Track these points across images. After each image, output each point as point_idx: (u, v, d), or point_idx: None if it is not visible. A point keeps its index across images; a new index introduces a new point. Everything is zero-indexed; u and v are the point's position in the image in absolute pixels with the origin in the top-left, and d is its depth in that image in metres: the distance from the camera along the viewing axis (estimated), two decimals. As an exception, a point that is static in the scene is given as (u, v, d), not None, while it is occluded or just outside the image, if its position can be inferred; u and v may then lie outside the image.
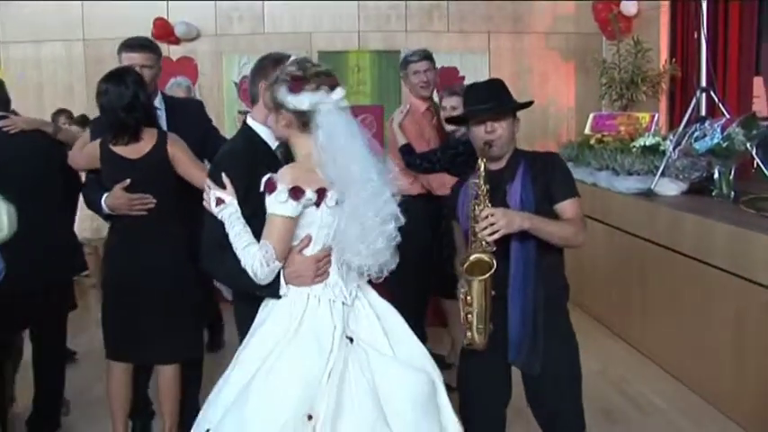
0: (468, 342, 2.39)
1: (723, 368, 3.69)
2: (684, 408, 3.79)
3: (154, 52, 3.35)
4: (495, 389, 2.53)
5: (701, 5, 4.91)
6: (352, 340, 2.09)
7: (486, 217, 2.24)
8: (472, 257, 2.29)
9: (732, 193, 4.37)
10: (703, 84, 4.95)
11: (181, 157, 3.01)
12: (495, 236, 2.24)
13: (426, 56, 4.07)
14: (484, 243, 2.27)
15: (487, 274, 2.28)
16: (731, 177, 4.45)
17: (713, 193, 4.46)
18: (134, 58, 3.25)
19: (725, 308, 3.67)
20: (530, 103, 2.56)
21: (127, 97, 2.96)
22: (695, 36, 5.09)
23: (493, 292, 2.33)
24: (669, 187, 4.64)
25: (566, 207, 2.43)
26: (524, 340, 2.37)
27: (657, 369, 4.30)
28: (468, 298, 2.33)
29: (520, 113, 2.55)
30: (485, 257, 2.28)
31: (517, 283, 2.36)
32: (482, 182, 2.32)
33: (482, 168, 2.34)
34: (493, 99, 2.46)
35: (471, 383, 2.56)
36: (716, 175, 4.46)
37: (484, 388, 2.52)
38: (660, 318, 4.33)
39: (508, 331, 2.38)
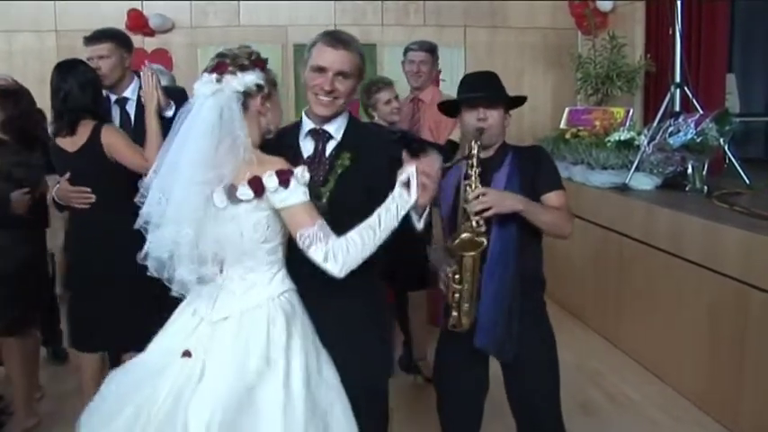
0: (453, 324, 2.38)
1: (697, 361, 3.72)
2: (659, 401, 3.83)
3: (110, 41, 3.28)
4: (470, 379, 2.52)
5: (675, 2, 4.95)
6: (188, 354, 1.95)
7: (478, 195, 2.25)
8: (464, 235, 2.29)
9: (705, 187, 4.42)
10: (678, 79, 4.99)
11: (115, 144, 3.00)
12: (486, 214, 2.26)
13: (424, 47, 4.22)
14: (474, 223, 2.28)
15: (481, 248, 2.28)
16: (704, 172, 4.50)
17: (687, 188, 4.50)
18: (89, 51, 3.26)
19: (698, 301, 3.70)
20: (523, 99, 2.56)
21: (63, 90, 3.02)
22: (670, 32, 5.13)
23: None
24: (643, 182, 4.67)
25: (551, 198, 2.44)
26: (496, 325, 2.36)
27: (632, 362, 4.33)
28: (457, 276, 2.32)
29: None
30: (476, 237, 2.28)
31: (492, 266, 2.35)
32: (475, 162, 2.33)
33: (475, 150, 2.35)
34: (488, 88, 2.48)
35: (446, 375, 2.56)
36: (689, 170, 4.51)
37: (459, 378, 2.51)
38: (635, 311, 4.36)
39: (478, 316, 2.38)
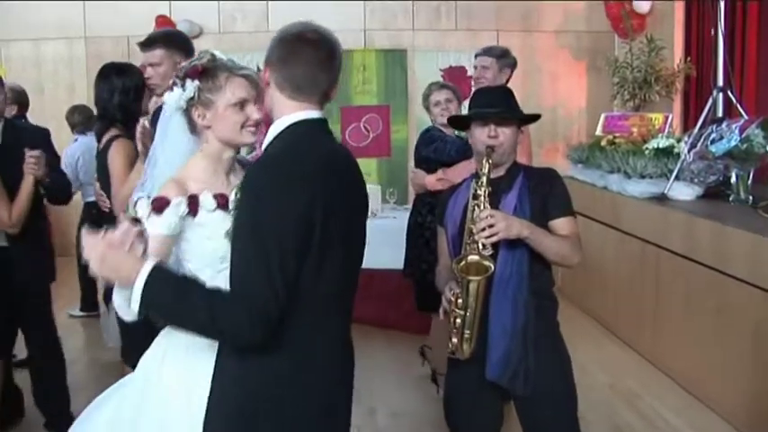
0: (452, 350, 2.25)
1: (740, 383, 3.51)
2: (698, 425, 3.63)
3: (162, 47, 3.08)
4: (483, 414, 2.36)
5: (718, 2, 4.76)
6: None
7: (486, 218, 2.14)
8: (470, 258, 2.18)
9: (750, 197, 4.21)
10: (720, 83, 4.81)
11: (113, 162, 2.97)
12: (493, 239, 2.14)
13: (488, 51, 3.90)
14: (480, 245, 2.17)
15: (487, 274, 2.16)
16: (749, 181, 4.29)
17: (730, 198, 4.30)
18: (143, 57, 3.13)
19: (743, 319, 3.50)
20: (537, 117, 2.45)
21: (96, 95, 3.08)
22: (712, 33, 4.97)
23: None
24: (683, 191, 4.48)
25: (561, 224, 2.32)
26: (510, 356, 2.21)
27: (670, 382, 4.12)
28: (460, 300, 2.20)
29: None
30: (483, 261, 2.17)
31: (501, 291, 2.22)
32: (484, 182, 2.22)
33: (486, 169, 2.24)
34: (501, 105, 2.38)
35: (457, 410, 2.41)
36: (733, 179, 4.30)
37: (471, 414, 2.36)
38: (673, 328, 4.16)
39: (488, 345, 2.23)
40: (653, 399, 3.92)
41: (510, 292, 2.22)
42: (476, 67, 3.94)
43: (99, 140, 3.14)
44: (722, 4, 4.80)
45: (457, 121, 2.69)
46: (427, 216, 3.80)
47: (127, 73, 3.13)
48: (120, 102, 3.06)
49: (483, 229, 2.13)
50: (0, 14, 7.07)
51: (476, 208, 2.22)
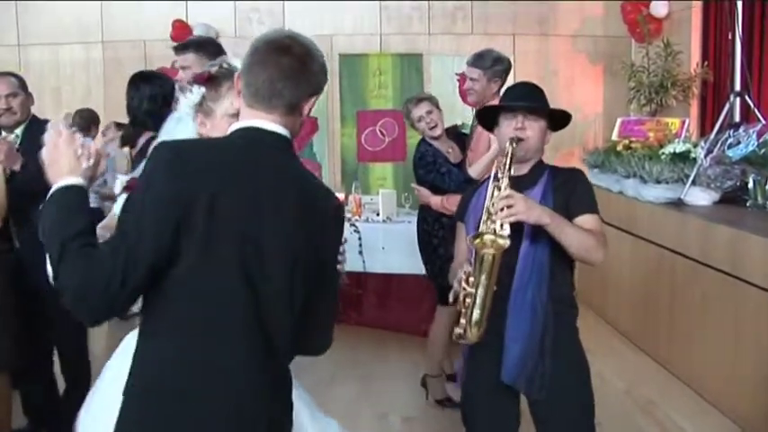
0: (459, 333, 2.14)
1: (757, 390, 3.46)
2: (714, 432, 3.58)
3: (193, 52, 3.11)
4: (499, 415, 2.33)
5: (735, 5, 4.74)
6: None
7: (506, 197, 2.09)
8: (485, 237, 2.10)
9: (767, 203, 4.14)
10: (737, 88, 4.78)
11: None
12: (511, 219, 2.08)
13: (474, 60, 3.69)
14: (498, 226, 2.11)
15: (501, 250, 2.08)
16: (767, 187, 4.23)
17: (747, 204, 4.26)
18: (178, 60, 3.19)
19: (760, 326, 3.45)
20: (568, 118, 2.38)
21: (127, 102, 3.15)
22: (729, 37, 4.93)
23: (495, 288, 2.11)
24: (700, 197, 4.43)
25: (585, 222, 2.27)
26: (526, 360, 2.18)
27: (687, 390, 4.06)
28: (472, 279, 2.09)
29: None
30: (498, 239, 2.08)
31: (521, 292, 2.19)
32: (508, 162, 2.20)
33: (510, 152, 2.22)
34: (532, 100, 2.36)
35: (473, 410, 2.38)
36: (750, 185, 4.26)
37: (487, 415, 2.33)
38: (690, 335, 4.11)
39: (505, 347, 2.20)
40: (669, 406, 3.87)
41: (529, 295, 2.19)
42: (466, 77, 3.75)
43: (132, 144, 3.22)
44: (740, 9, 4.76)
45: (485, 117, 2.54)
46: (434, 224, 3.83)
47: (153, 80, 3.22)
48: (148, 109, 3.14)
49: (501, 209, 2.08)
50: (20, 20, 7.16)
51: (496, 189, 2.18)
